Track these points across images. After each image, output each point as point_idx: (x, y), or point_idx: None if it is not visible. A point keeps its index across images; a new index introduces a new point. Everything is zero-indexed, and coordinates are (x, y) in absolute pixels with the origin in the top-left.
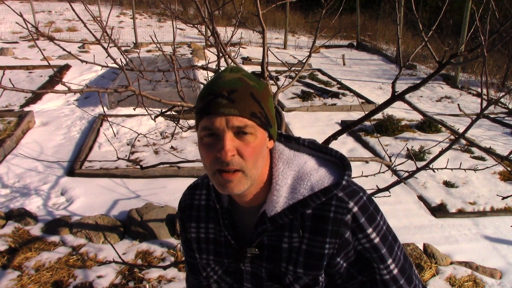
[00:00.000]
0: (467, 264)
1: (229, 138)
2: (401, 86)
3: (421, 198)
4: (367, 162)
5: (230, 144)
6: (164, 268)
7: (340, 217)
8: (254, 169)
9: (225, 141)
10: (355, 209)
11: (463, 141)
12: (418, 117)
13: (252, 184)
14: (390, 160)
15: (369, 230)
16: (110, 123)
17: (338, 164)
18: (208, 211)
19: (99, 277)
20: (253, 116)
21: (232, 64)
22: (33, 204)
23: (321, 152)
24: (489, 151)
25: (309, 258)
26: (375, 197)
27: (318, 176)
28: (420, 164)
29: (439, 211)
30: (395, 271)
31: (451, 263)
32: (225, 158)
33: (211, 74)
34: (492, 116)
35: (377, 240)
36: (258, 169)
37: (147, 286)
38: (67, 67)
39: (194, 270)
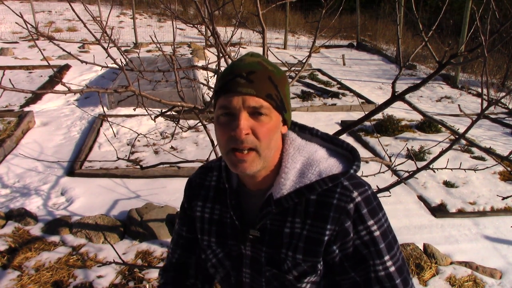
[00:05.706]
0: (467, 264)
1: (244, 117)
2: (401, 86)
3: (421, 198)
4: (367, 162)
5: (245, 123)
6: None
7: (343, 205)
8: (267, 149)
9: (240, 120)
10: (359, 199)
11: (463, 141)
12: (418, 117)
13: (264, 166)
14: (390, 160)
15: (370, 222)
16: (110, 123)
17: (348, 157)
18: (216, 192)
19: (99, 277)
20: (269, 98)
21: None
22: (33, 204)
23: (333, 143)
24: (489, 151)
25: (309, 244)
26: None
27: (327, 164)
28: (420, 164)
29: (439, 211)
30: (392, 269)
31: (451, 263)
32: (239, 136)
33: (211, 74)
34: (492, 116)
35: (377, 233)
36: (271, 151)
37: (147, 286)
38: (67, 67)
39: (186, 246)
